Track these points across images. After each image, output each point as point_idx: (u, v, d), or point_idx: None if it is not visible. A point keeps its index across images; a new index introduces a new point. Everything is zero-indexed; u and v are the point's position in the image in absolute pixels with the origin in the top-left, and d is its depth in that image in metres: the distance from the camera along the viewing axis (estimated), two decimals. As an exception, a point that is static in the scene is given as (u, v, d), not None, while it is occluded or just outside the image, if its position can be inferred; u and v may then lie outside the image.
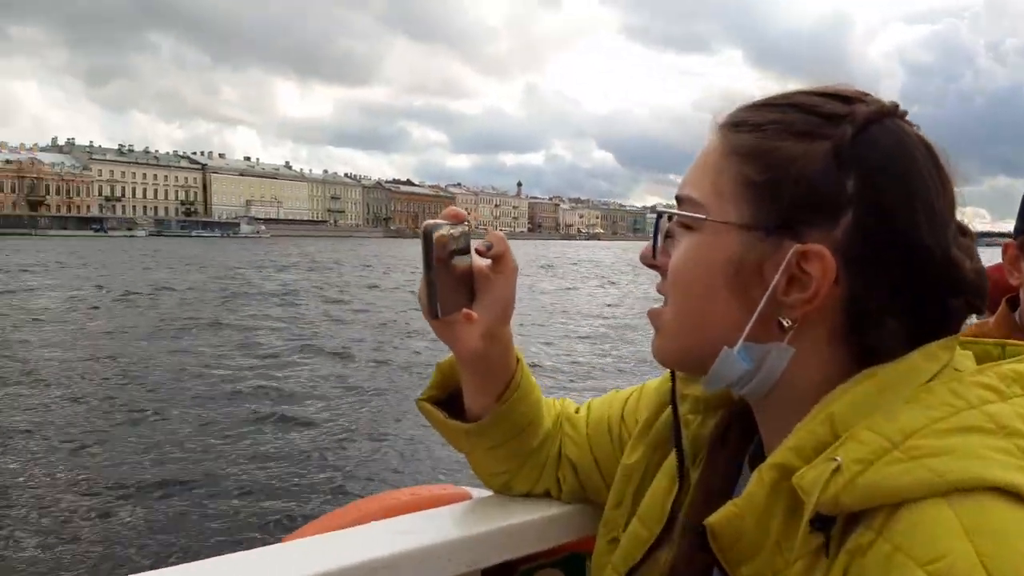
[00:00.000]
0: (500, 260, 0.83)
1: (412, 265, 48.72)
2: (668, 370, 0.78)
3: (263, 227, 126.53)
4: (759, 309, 0.60)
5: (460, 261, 0.79)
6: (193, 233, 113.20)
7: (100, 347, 14.13)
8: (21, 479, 7.09)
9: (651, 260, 0.69)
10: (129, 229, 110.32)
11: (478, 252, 0.82)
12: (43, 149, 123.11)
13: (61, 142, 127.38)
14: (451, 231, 0.77)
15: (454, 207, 0.81)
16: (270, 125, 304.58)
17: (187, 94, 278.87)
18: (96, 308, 20.87)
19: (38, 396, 10.54)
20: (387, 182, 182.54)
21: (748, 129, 0.64)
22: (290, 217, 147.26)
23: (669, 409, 0.82)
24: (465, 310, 0.80)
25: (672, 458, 0.79)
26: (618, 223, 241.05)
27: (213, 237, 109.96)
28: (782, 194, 0.60)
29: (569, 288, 33.35)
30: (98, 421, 8.97)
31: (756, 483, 0.59)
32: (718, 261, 0.63)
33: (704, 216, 0.63)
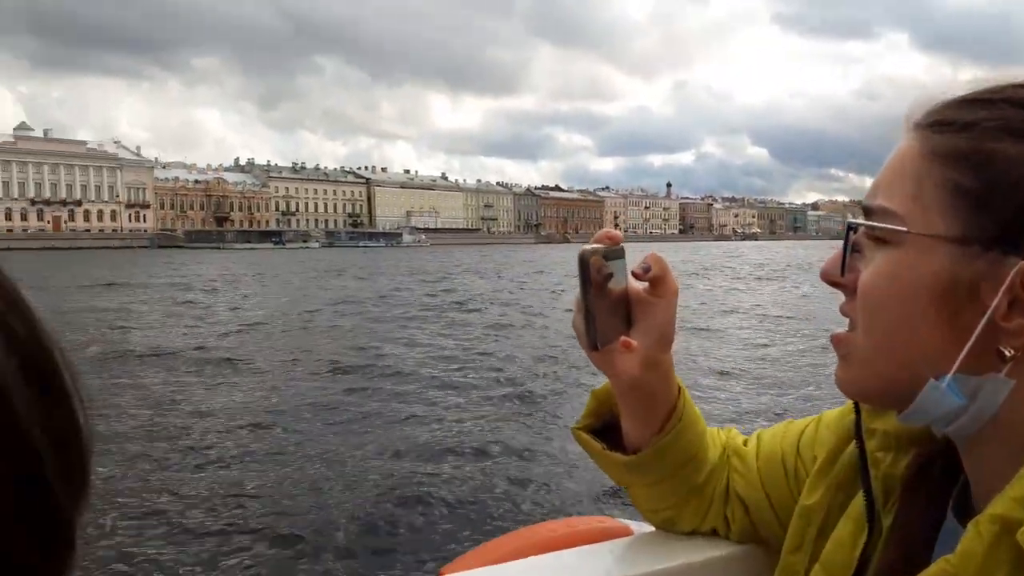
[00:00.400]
0: (659, 282, 0.78)
1: (567, 269, 49.01)
2: (849, 400, 0.71)
3: (423, 236, 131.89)
4: (975, 336, 0.53)
5: (616, 285, 0.76)
6: (360, 244, 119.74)
7: (280, 361, 14.86)
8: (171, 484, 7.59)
9: (836, 278, 0.62)
10: (304, 241, 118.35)
11: (635, 275, 0.77)
12: (227, 169, 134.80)
13: (242, 162, 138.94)
14: (606, 254, 0.75)
15: (608, 229, 0.77)
16: (425, 138, 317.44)
17: (349, 112, 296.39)
18: (287, 315, 22.69)
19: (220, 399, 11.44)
20: (536, 189, 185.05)
21: (954, 129, 0.56)
22: (446, 226, 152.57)
23: (853, 445, 0.74)
24: (623, 338, 0.76)
25: (858, 500, 0.71)
26: (776, 222, 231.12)
27: (378, 247, 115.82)
28: (1001, 203, 0.53)
29: (733, 289, 32.48)
30: (253, 445, 9.11)
31: (973, 538, 0.51)
32: (923, 280, 0.55)
33: (905, 228, 0.56)
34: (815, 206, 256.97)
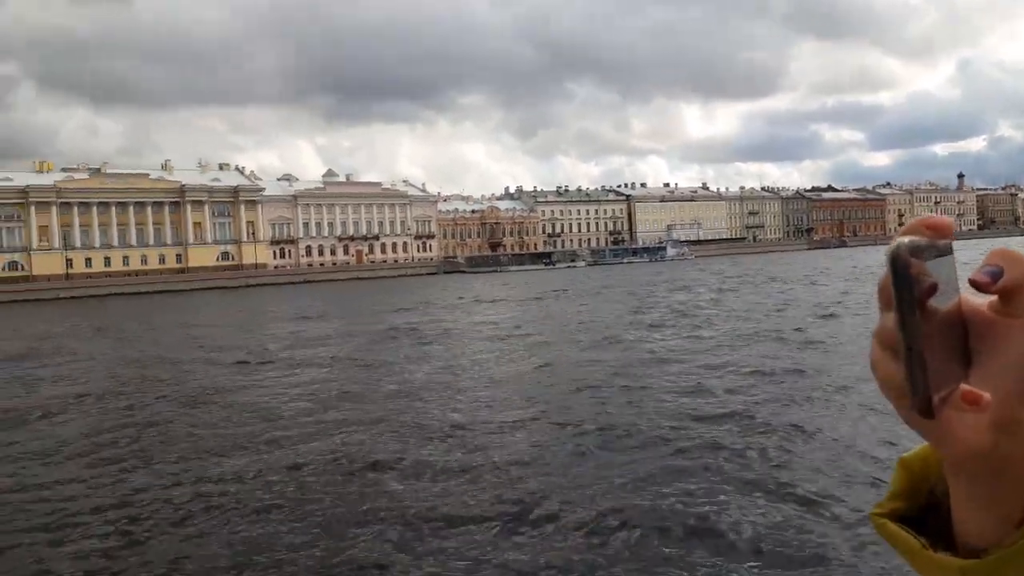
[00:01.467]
0: (1016, 295, 0.44)
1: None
2: None
3: (686, 249, 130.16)
4: None
5: (942, 301, 0.43)
6: (625, 260, 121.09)
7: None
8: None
9: None
10: (572, 260, 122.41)
11: (976, 284, 0.44)
12: (498, 198, 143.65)
13: (511, 190, 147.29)
14: (927, 253, 0.43)
15: (932, 215, 0.53)
16: (676, 150, 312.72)
17: (601, 133, 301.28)
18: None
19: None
20: (805, 191, 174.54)
21: None
22: (709, 237, 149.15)
23: None
24: (963, 386, 0.44)
25: None
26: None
27: (642, 262, 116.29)
28: None
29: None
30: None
31: None
32: None
33: None
34: None
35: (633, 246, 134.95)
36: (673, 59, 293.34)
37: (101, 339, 30.47)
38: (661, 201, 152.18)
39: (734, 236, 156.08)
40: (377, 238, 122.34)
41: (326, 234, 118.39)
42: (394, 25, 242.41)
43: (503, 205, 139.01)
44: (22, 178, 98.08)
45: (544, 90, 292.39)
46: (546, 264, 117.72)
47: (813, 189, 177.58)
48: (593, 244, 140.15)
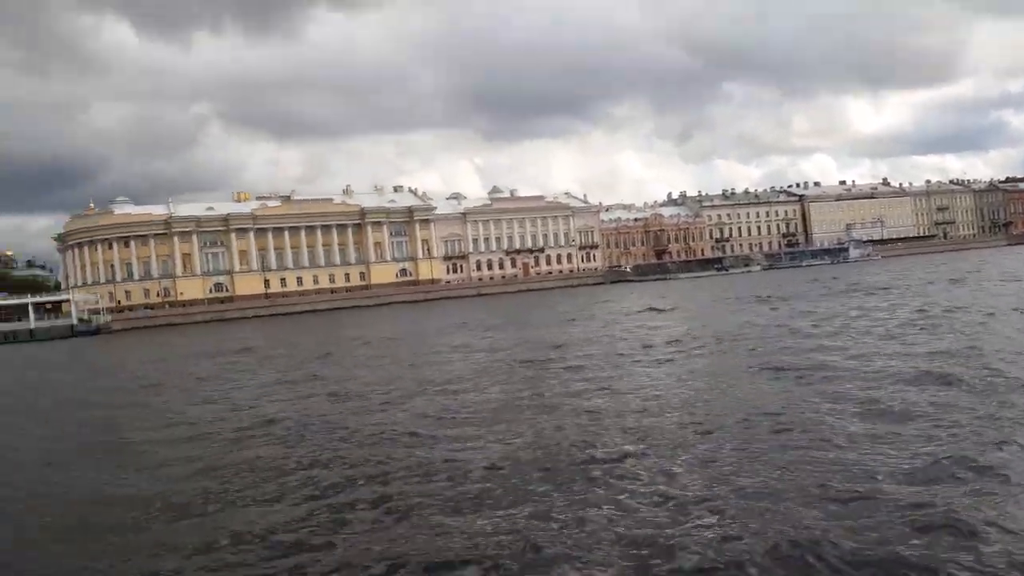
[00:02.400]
0: None
1: None
2: None
3: (871, 249, 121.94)
4: None
5: None
6: (803, 263, 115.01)
7: None
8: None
9: None
10: (746, 265, 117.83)
11: None
12: (662, 205, 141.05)
13: (668, 197, 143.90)
14: None
15: None
16: (843, 146, 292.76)
17: (760, 134, 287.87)
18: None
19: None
20: (1001, 182, 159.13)
21: None
22: (892, 235, 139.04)
23: None
24: None
25: None
26: None
27: (823, 264, 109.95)
28: None
29: None
30: None
31: None
32: None
33: None
34: None
35: (810, 248, 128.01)
36: (837, 51, 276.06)
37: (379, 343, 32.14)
38: (837, 200, 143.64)
39: (921, 234, 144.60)
40: (542, 250, 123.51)
41: (494, 248, 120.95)
42: (546, 42, 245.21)
43: (667, 211, 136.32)
44: (222, 207, 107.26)
45: (698, 94, 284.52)
46: (718, 270, 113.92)
47: (1008, 180, 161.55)
48: (764, 248, 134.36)
